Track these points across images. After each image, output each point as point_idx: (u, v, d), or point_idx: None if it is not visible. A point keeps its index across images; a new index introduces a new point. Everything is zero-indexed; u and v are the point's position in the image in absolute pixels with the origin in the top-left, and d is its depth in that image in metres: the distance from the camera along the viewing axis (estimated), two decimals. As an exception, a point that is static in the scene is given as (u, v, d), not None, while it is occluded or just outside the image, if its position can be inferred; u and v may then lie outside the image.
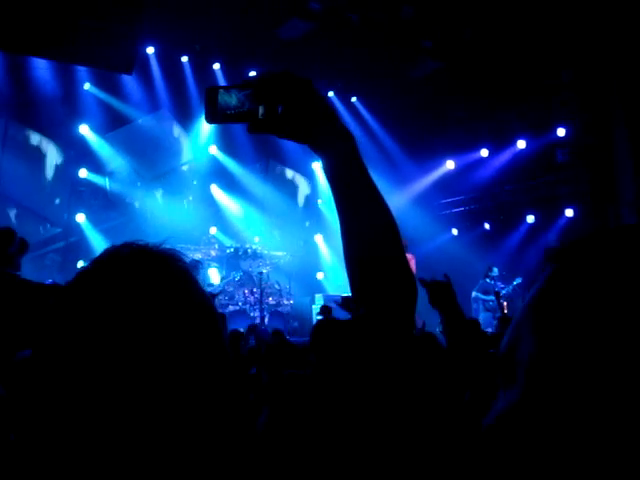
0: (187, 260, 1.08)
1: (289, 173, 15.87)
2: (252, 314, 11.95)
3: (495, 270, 12.63)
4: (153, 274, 1.01)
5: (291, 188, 15.97)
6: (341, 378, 2.02)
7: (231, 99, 1.34)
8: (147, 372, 0.93)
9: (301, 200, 16.16)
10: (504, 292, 12.33)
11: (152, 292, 0.98)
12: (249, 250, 13.50)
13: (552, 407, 0.70)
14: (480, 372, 2.41)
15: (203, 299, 1.04)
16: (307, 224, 16.03)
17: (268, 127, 1.36)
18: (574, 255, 0.77)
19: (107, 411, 0.91)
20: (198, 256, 12.99)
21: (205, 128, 14.56)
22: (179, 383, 0.94)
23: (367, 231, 1.43)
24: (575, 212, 13.48)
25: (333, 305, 8.74)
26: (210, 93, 1.34)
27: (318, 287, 14.55)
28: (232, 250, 13.50)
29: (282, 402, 2.44)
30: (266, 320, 11.81)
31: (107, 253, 1.04)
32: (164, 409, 0.93)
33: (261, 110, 1.34)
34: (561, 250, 0.79)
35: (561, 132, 13.63)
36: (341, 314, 9.18)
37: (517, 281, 12.38)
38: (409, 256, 9.90)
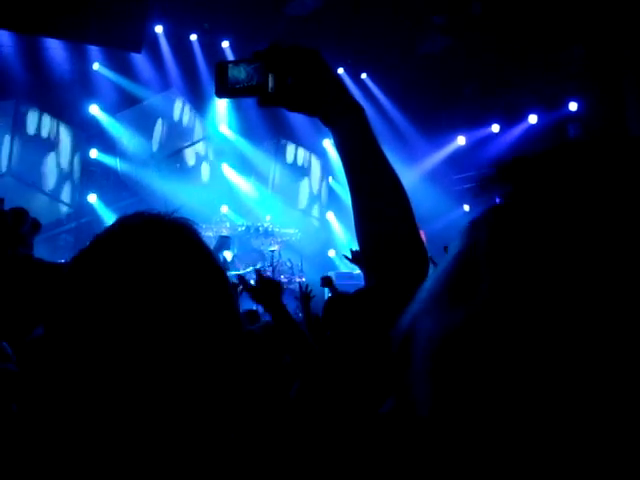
0: (200, 231, 1.07)
1: (300, 151, 15.83)
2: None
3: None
4: (165, 242, 1.00)
5: (302, 167, 15.93)
6: (355, 352, 2.04)
7: (240, 73, 1.34)
8: (162, 337, 0.93)
9: (313, 178, 16.12)
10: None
11: (164, 260, 0.97)
12: (260, 228, 13.53)
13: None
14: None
15: (215, 267, 1.04)
16: (317, 205, 16.02)
17: (278, 100, 1.35)
18: (530, 175, 0.66)
19: (125, 376, 0.92)
20: (209, 234, 13.02)
21: (216, 107, 14.54)
22: (191, 350, 0.94)
23: (378, 203, 1.42)
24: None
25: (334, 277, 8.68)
26: (219, 67, 1.35)
27: (330, 265, 14.56)
28: (243, 228, 13.53)
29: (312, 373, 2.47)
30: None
31: (119, 222, 1.04)
32: (178, 373, 0.94)
33: (270, 83, 1.34)
34: (514, 167, 0.70)
35: (573, 106, 13.53)
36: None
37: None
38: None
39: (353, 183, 1.44)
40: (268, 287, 2.96)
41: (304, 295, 5.15)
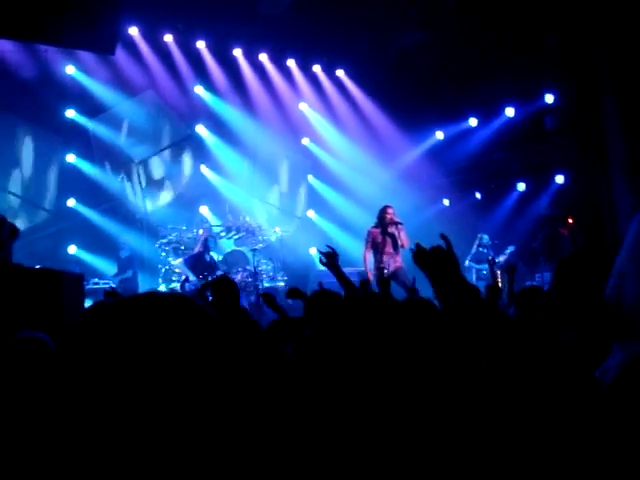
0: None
1: (277, 155, 15.70)
2: (247, 290, 11.95)
3: (485, 238, 12.61)
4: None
5: (283, 168, 15.87)
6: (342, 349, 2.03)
7: None
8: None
9: (287, 178, 16.08)
10: (497, 260, 12.33)
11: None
12: (241, 228, 13.51)
13: None
14: (495, 340, 2.39)
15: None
16: (297, 204, 16.01)
17: None
18: None
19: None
20: (189, 235, 12.99)
21: (193, 108, 14.51)
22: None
23: None
24: (566, 178, 13.48)
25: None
26: None
27: (312, 263, 14.56)
28: (223, 228, 13.51)
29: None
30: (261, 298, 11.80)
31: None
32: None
33: None
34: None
35: (549, 98, 13.61)
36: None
37: (510, 249, 12.37)
38: (399, 226, 9.91)
39: None
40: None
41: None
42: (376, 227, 10.08)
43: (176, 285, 11.82)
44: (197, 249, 11.64)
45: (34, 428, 1.85)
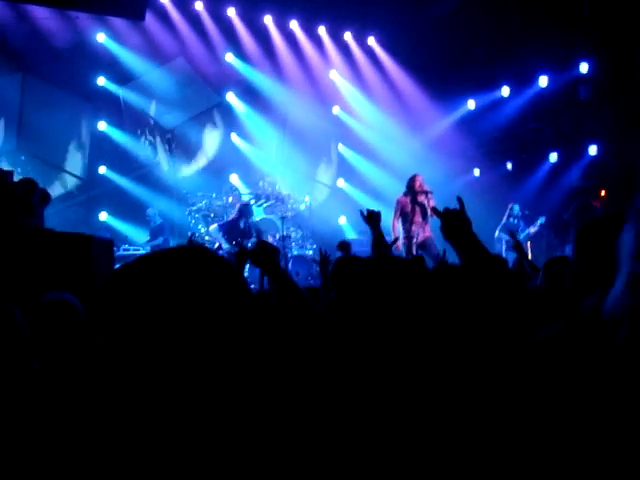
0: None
1: (307, 123, 15.60)
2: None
3: (516, 208, 12.47)
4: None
5: (310, 138, 15.77)
6: (366, 313, 2.04)
7: None
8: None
9: (317, 147, 16.01)
10: (527, 232, 12.23)
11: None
12: (271, 196, 13.53)
13: None
14: (504, 305, 2.39)
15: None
16: (327, 172, 15.97)
17: None
18: None
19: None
20: (219, 203, 13.04)
21: (223, 75, 14.48)
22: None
23: None
24: (599, 149, 13.29)
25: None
26: None
27: (341, 232, 14.57)
28: (253, 196, 13.55)
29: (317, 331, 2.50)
30: (290, 265, 11.85)
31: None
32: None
33: None
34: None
35: (584, 68, 13.37)
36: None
37: (541, 220, 12.24)
38: (429, 195, 9.79)
39: None
40: (265, 251, 3.02)
41: (323, 259, 5.20)
42: (405, 196, 9.97)
43: None
44: (232, 216, 11.64)
45: (61, 388, 1.89)
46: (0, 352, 2.40)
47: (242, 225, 11.43)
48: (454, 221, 2.62)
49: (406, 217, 9.83)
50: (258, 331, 1.24)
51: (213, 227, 11.93)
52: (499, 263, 2.62)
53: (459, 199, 2.78)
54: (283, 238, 12.00)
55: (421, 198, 9.78)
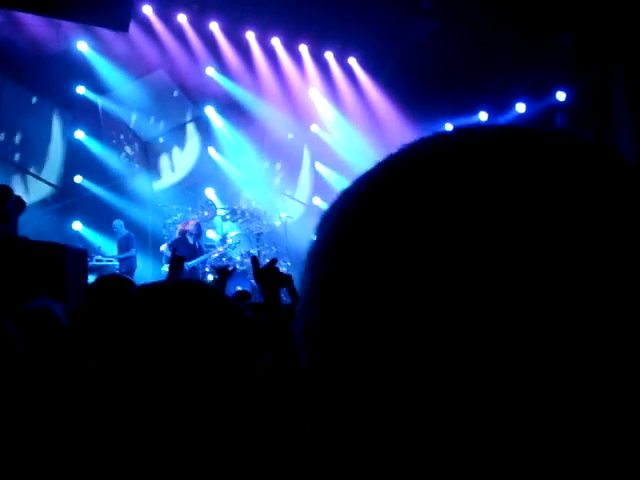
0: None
1: (285, 141, 15.63)
2: (250, 274, 11.93)
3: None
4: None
5: (291, 154, 15.79)
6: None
7: None
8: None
9: (304, 164, 16.06)
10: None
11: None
12: (246, 212, 13.51)
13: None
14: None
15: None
16: (303, 190, 16.00)
17: None
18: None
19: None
20: (194, 217, 12.98)
21: (203, 89, 14.47)
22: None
23: None
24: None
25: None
26: None
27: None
28: (229, 211, 13.51)
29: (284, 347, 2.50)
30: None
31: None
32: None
33: None
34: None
35: (561, 96, 13.56)
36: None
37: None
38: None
39: None
40: (273, 275, 2.96)
41: (222, 271, 4.84)
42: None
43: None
44: (177, 235, 11.58)
45: (51, 399, 1.88)
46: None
47: (191, 242, 11.38)
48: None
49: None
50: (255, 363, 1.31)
51: (164, 247, 11.74)
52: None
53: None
54: (258, 255, 11.96)
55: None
